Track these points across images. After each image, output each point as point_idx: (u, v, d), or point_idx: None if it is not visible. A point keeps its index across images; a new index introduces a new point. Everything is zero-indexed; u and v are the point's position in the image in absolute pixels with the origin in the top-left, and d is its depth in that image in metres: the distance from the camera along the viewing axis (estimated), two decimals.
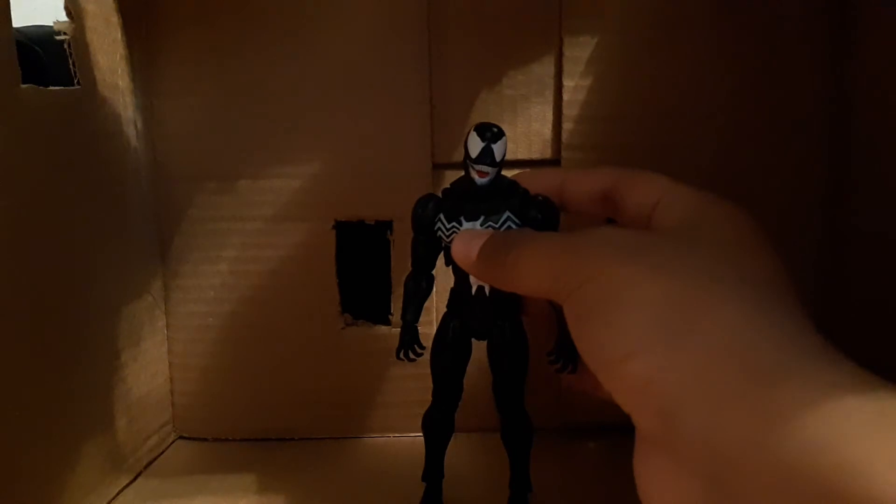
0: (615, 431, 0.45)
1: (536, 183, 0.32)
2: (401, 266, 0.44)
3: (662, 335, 0.19)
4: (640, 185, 0.27)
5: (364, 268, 0.46)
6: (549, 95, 0.44)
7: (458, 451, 0.38)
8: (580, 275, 0.22)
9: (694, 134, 0.44)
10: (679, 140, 0.44)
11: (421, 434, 0.45)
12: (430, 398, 0.44)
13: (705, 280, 0.20)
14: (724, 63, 0.43)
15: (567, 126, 0.43)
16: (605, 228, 0.24)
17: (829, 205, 0.44)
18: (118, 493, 0.39)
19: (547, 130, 0.44)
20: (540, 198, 0.32)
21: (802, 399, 0.16)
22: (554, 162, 0.44)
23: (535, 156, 0.44)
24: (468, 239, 0.29)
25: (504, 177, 0.32)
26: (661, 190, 0.26)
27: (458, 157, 0.44)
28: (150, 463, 0.43)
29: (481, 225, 0.31)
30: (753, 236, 0.23)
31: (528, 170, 0.34)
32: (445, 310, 0.35)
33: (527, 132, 0.44)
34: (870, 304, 0.40)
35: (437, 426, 0.36)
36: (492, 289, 0.33)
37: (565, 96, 0.43)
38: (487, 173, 0.31)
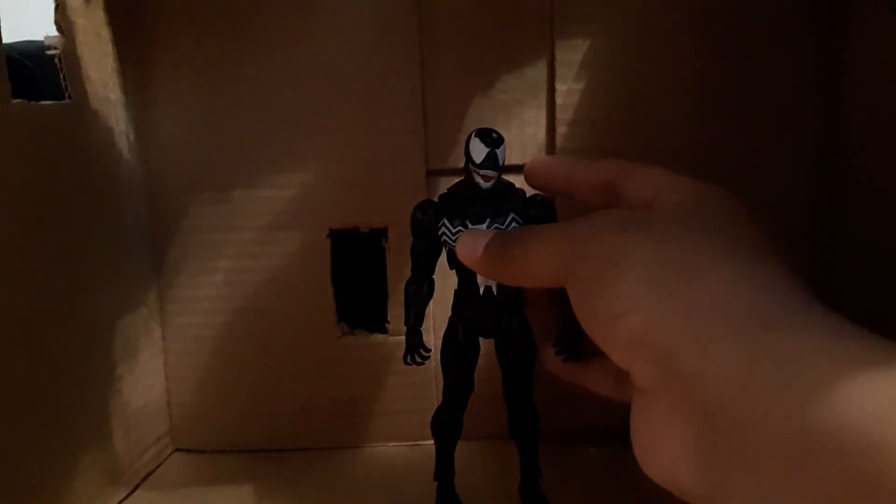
0: (616, 436, 0.45)
1: (550, 171, 0.33)
2: (396, 273, 0.44)
3: (655, 291, 0.20)
4: (640, 176, 0.27)
5: (360, 276, 0.46)
6: (543, 99, 0.44)
7: (467, 456, 0.38)
8: (579, 251, 0.23)
9: (686, 136, 0.43)
10: (671, 142, 0.43)
11: (421, 442, 0.45)
12: (428, 406, 0.44)
13: (697, 243, 0.21)
14: (716, 66, 0.43)
15: (561, 130, 0.43)
16: (604, 210, 0.25)
17: (822, 208, 0.43)
18: None
19: (541, 134, 0.44)
20: (538, 197, 0.34)
21: (792, 343, 0.17)
22: None
23: (529, 160, 0.44)
24: (473, 239, 0.30)
25: (503, 179, 0.33)
26: (661, 180, 0.26)
27: (452, 163, 0.44)
28: (147, 475, 0.43)
29: (487, 227, 0.33)
30: (745, 212, 0.24)
31: (541, 157, 0.35)
32: (451, 312, 0.36)
33: (521, 136, 0.44)
34: (862, 308, 0.40)
35: (447, 424, 0.37)
36: (499, 288, 0.34)
37: (558, 100, 0.43)
38: (492, 177, 0.32)
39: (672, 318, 0.19)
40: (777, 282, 0.20)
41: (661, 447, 0.20)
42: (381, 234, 0.44)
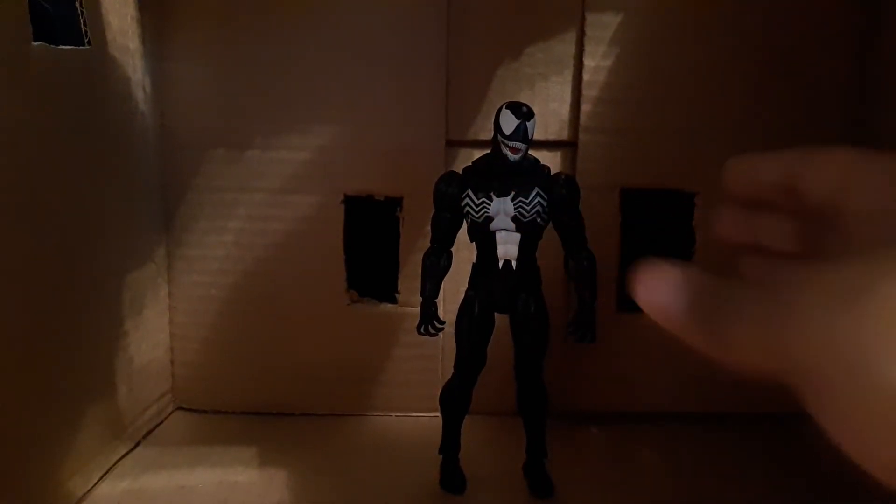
0: (615, 417, 0.45)
1: (747, 168, 0.24)
2: (410, 243, 0.44)
3: None
4: (819, 164, 0.21)
5: (372, 244, 0.45)
6: (569, 75, 0.43)
7: (472, 431, 0.38)
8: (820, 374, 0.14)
9: (713, 120, 0.43)
10: (698, 126, 0.43)
11: (423, 414, 0.45)
12: (433, 379, 0.43)
13: None
14: (747, 50, 0.42)
15: (586, 108, 0.42)
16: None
17: None
18: (118, 462, 0.39)
19: (565, 111, 0.43)
20: (563, 176, 0.34)
21: None
22: (570, 144, 0.43)
23: (551, 136, 0.43)
24: (664, 277, 0.19)
25: (529, 155, 0.33)
26: (844, 166, 0.20)
27: (473, 134, 0.43)
28: (149, 432, 0.43)
29: (512, 200, 0.33)
30: None
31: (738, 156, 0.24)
32: (468, 285, 0.36)
33: (544, 112, 0.43)
34: None
35: (456, 397, 0.37)
36: (518, 264, 0.34)
37: (585, 77, 0.42)
38: (520, 150, 0.32)
39: None
40: None
41: None
42: (396, 202, 0.44)
